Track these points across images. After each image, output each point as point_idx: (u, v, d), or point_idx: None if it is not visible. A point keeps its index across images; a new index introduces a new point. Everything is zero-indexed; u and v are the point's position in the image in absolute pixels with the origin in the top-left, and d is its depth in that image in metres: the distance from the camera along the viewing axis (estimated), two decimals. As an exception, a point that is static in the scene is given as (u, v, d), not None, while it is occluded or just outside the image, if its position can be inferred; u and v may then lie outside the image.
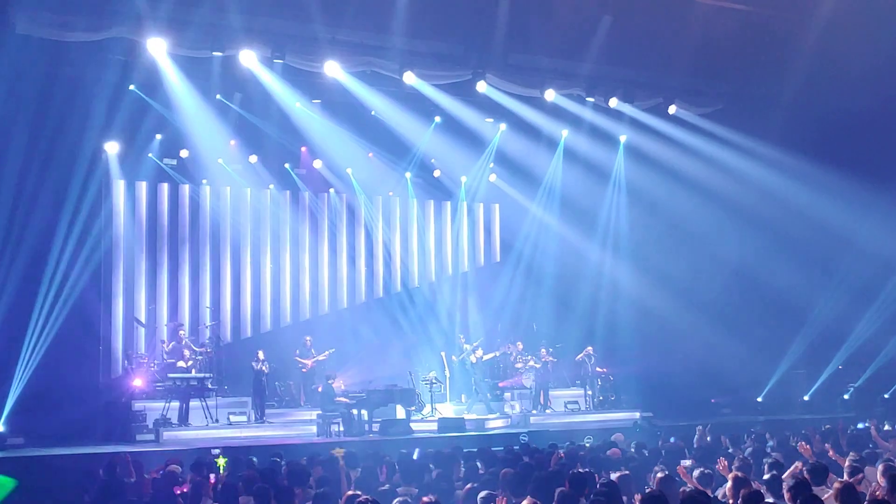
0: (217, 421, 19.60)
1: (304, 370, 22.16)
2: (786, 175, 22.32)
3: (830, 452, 12.48)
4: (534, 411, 22.48)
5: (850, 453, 11.85)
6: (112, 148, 21.41)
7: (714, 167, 22.72)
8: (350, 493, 8.96)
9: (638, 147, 23.62)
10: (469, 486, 9.38)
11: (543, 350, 23.25)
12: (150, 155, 22.09)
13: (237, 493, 9.99)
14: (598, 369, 23.68)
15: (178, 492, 10.89)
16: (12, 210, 18.80)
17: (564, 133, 23.51)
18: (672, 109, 22.20)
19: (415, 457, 13.06)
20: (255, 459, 13.70)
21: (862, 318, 23.90)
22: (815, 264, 23.43)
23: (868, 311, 23.81)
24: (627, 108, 22.06)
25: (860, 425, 17.20)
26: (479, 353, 23.41)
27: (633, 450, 13.68)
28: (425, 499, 8.03)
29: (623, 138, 23.84)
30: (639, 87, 21.67)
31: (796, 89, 20.76)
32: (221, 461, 11.98)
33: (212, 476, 11.93)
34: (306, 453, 14.20)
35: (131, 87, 19.06)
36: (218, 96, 20.12)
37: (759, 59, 20.09)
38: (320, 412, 20.11)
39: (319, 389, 20.69)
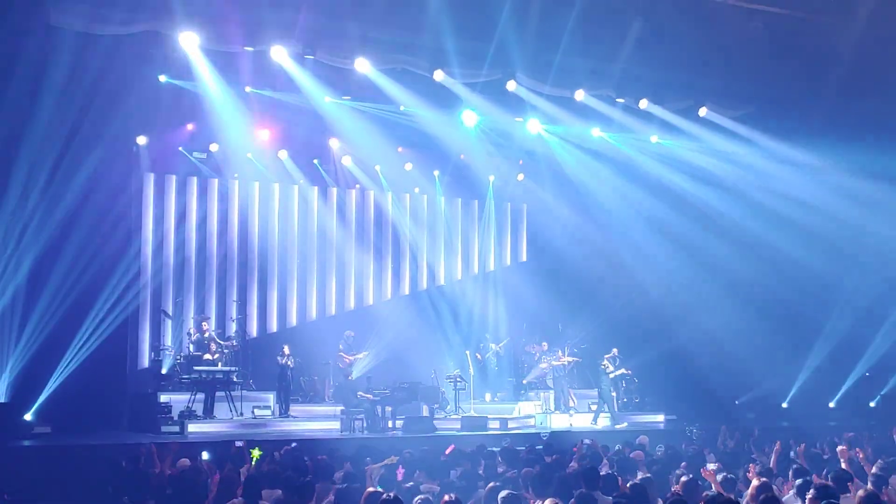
0: (242, 414, 19.70)
1: (341, 365, 22.15)
2: (816, 179, 22.19)
3: (860, 457, 12.41)
4: (556, 411, 22.47)
5: (878, 461, 11.79)
6: (142, 141, 21.54)
7: (744, 169, 22.61)
8: (371, 490, 8.98)
9: (668, 148, 23.53)
10: (491, 484, 9.37)
11: (560, 352, 23.25)
12: (180, 149, 22.23)
13: (260, 486, 10.03)
14: (623, 371, 23.62)
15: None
16: (43, 202, 18.92)
17: (594, 133, 23.41)
18: (703, 112, 22.09)
19: (447, 453, 13.06)
20: (277, 454, 13.78)
21: (886, 324, 23.76)
22: (845, 267, 23.32)
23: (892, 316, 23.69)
24: (657, 110, 21.97)
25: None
26: (493, 346, 23.60)
27: (659, 452, 13.69)
28: (446, 497, 8.03)
29: (654, 139, 23.75)
30: (669, 89, 21.57)
31: (830, 92, 20.60)
32: (256, 453, 11.99)
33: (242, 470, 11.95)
34: (329, 448, 14.27)
35: (162, 80, 19.14)
36: (248, 90, 20.14)
37: (792, 61, 19.91)
38: (343, 408, 20.18)
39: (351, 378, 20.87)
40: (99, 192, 19.86)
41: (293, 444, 14.70)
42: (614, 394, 22.61)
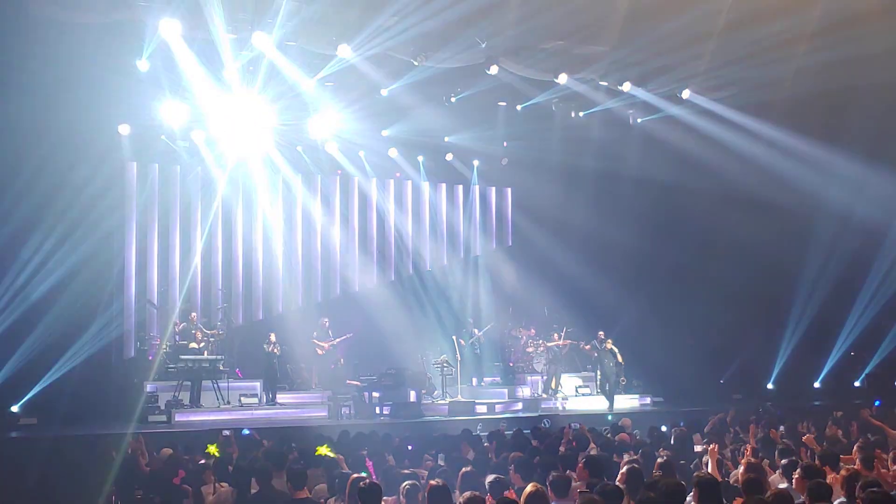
0: (228, 403, 19.70)
1: (319, 352, 22.18)
2: (793, 158, 22.24)
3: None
4: (544, 395, 22.52)
5: (861, 440, 11.87)
6: (125, 130, 21.39)
7: (724, 150, 22.62)
8: (354, 476, 9.00)
9: (649, 131, 23.54)
10: (466, 469, 9.36)
11: (556, 335, 23.23)
12: (162, 137, 22.07)
13: (249, 474, 10.03)
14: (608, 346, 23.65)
15: (179, 478, 10.93)
16: (25, 192, 18.84)
17: (577, 116, 23.39)
18: (686, 94, 22.09)
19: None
20: (265, 442, 13.80)
21: (865, 301, 23.89)
22: (821, 247, 23.46)
23: (870, 295, 23.81)
24: (641, 93, 21.96)
25: (876, 402, 17.15)
26: (476, 331, 23.62)
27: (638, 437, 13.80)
28: (433, 482, 8.04)
29: (637, 120, 23.77)
30: (652, 72, 21.54)
31: (805, 71, 20.61)
32: (212, 448, 11.99)
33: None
34: (316, 436, 14.28)
35: (144, 69, 19.00)
36: (230, 77, 20.02)
37: (773, 41, 19.89)
38: (331, 394, 20.19)
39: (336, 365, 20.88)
40: (81, 182, 19.77)
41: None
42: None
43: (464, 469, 9.36)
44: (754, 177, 22.54)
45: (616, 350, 22.20)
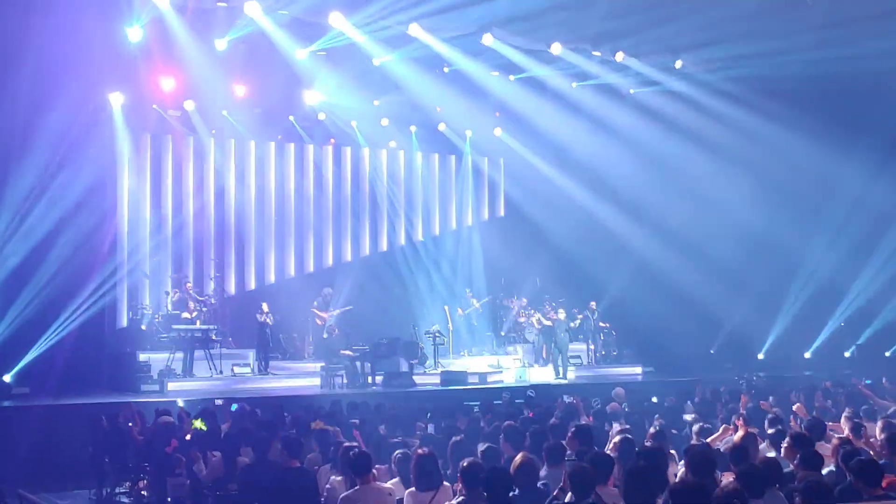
0: (221, 372, 19.69)
1: (318, 322, 22.17)
2: (789, 131, 22.23)
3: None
4: (536, 366, 22.58)
5: (848, 409, 11.96)
6: (117, 99, 21.26)
7: (719, 122, 22.60)
8: (346, 444, 9.06)
9: (644, 102, 23.50)
10: (456, 438, 9.42)
11: (548, 306, 23.22)
12: (154, 106, 21.97)
13: (239, 444, 10.08)
14: (600, 324, 23.74)
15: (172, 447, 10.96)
16: (17, 162, 18.77)
17: (572, 86, 23.35)
18: (678, 64, 22.04)
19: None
20: (258, 411, 13.84)
21: (863, 275, 23.98)
22: (818, 221, 23.52)
23: (869, 267, 23.88)
24: (634, 63, 21.91)
25: (867, 381, 17.27)
26: (474, 302, 23.63)
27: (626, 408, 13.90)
28: (420, 450, 8.11)
29: (630, 91, 23.76)
30: (645, 42, 21.48)
31: (805, 45, 20.58)
32: (198, 423, 12.02)
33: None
34: (309, 405, 14.34)
35: (135, 38, 18.87)
36: (222, 46, 19.90)
37: (768, 14, 19.83)
38: (324, 364, 20.23)
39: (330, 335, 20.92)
40: (73, 152, 19.69)
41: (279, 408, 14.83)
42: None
43: (454, 438, 9.44)
44: (750, 148, 22.57)
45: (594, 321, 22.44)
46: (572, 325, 22.58)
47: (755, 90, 21.99)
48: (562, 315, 22.25)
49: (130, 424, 12.77)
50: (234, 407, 14.82)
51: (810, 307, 24.49)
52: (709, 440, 10.04)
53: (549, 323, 22.42)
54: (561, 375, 21.63)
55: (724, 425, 10.81)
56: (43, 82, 18.10)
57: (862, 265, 23.94)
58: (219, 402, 15.71)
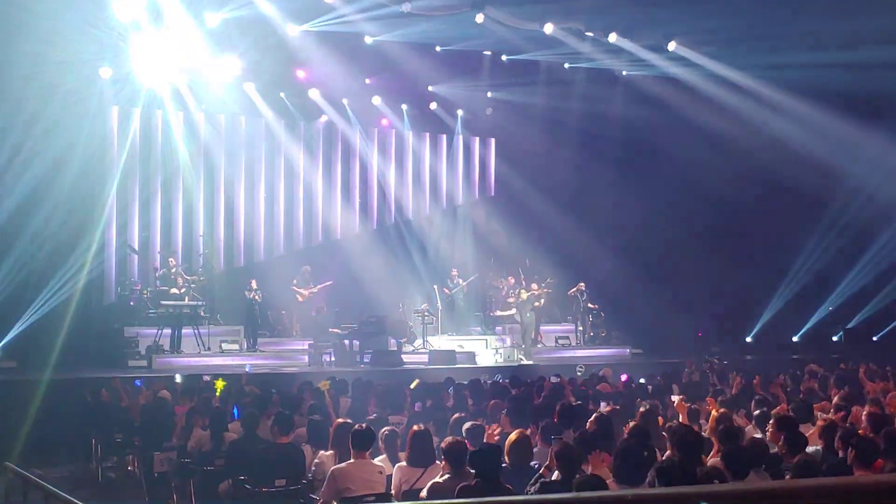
0: (209, 349, 19.68)
1: (299, 299, 22.17)
2: (781, 114, 22.24)
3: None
4: (524, 345, 22.60)
5: (836, 392, 12.00)
6: (106, 73, 21.12)
7: (710, 105, 22.60)
8: (340, 420, 9.07)
9: (635, 83, 23.48)
10: (457, 415, 9.48)
11: (535, 285, 23.23)
12: (144, 82, 21.80)
13: (227, 419, 10.09)
14: (589, 305, 23.76)
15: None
16: (3, 132, 18.68)
17: (564, 67, 23.31)
18: (672, 46, 22.01)
19: (412, 386, 13.16)
20: (248, 388, 13.85)
21: (854, 261, 24.06)
22: (808, 206, 23.56)
23: (860, 254, 23.96)
24: (627, 44, 21.87)
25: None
26: (461, 282, 23.65)
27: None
28: (415, 427, 8.11)
29: (623, 73, 23.73)
30: (638, 24, 21.43)
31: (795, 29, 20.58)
32: (220, 384, 12.06)
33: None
34: (297, 382, 14.32)
35: (126, 13, 18.75)
36: (215, 23, 19.78)
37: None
38: (312, 342, 20.22)
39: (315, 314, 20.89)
40: (62, 127, 19.59)
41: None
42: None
43: (456, 415, 9.49)
44: (739, 129, 22.58)
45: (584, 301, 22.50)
46: (536, 304, 22.62)
47: (746, 72, 22.00)
48: (524, 295, 22.32)
49: (119, 400, 12.78)
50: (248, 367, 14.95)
51: (802, 294, 24.59)
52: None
53: (539, 304, 22.61)
54: (523, 356, 21.76)
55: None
56: (36, 51, 18.01)
57: (856, 253, 24.05)
58: (207, 378, 15.69)
